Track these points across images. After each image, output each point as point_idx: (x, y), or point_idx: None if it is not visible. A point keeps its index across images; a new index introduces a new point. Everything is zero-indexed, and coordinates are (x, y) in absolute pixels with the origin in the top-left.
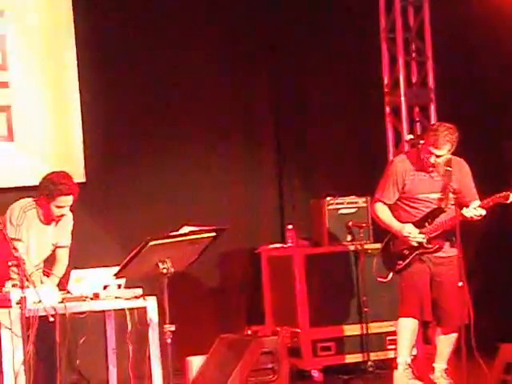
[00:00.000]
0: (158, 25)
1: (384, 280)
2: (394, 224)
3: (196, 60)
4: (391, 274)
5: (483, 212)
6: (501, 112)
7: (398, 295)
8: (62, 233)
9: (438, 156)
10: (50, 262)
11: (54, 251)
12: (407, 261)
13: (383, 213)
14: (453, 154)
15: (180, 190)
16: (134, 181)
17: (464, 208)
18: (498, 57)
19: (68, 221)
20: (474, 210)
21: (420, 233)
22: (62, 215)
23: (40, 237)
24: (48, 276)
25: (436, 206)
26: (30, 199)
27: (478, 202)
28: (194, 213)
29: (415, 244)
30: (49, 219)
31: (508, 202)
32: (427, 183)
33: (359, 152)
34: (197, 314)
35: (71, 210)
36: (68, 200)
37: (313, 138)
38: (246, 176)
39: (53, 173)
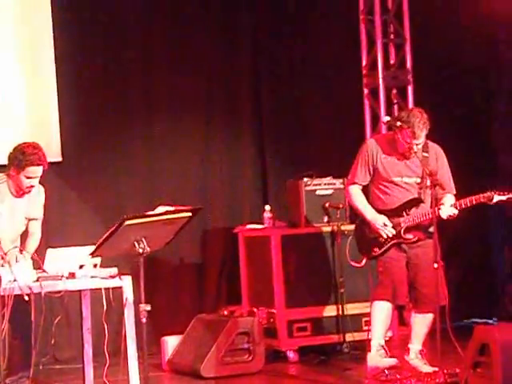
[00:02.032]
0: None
1: (357, 265)
2: (368, 212)
3: (175, 37)
4: (365, 260)
5: (456, 211)
6: (479, 94)
7: (372, 277)
8: (34, 205)
9: (418, 144)
10: (24, 238)
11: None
12: (383, 249)
13: (357, 198)
14: (430, 138)
15: (157, 169)
16: (110, 160)
17: (441, 207)
18: (476, 38)
19: (40, 194)
20: (449, 210)
21: (396, 223)
22: (32, 186)
23: (14, 210)
24: (21, 253)
25: (411, 193)
26: (1, 174)
27: (451, 197)
28: (172, 192)
29: (385, 236)
30: (20, 192)
31: (492, 203)
32: (401, 167)
33: (337, 133)
34: (173, 294)
35: (42, 184)
36: (37, 171)
37: (292, 119)
38: (225, 155)
39: (23, 143)
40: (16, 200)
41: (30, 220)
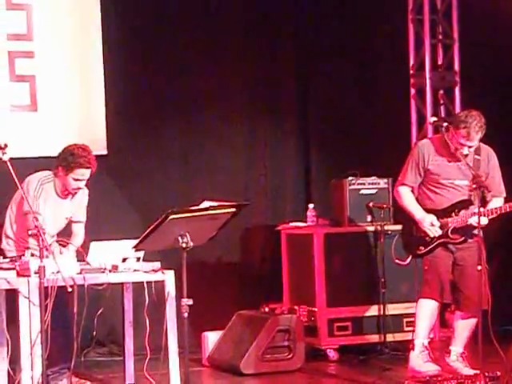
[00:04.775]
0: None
1: (402, 263)
2: (417, 212)
3: (220, 33)
4: (410, 258)
5: (485, 221)
6: None
7: (417, 277)
8: (78, 208)
9: (471, 147)
10: (64, 235)
11: (67, 224)
12: (429, 248)
13: (406, 197)
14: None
15: (202, 164)
16: (156, 154)
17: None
18: None
19: (84, 196)
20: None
21: (444, 223)
22: (78, 188)
23: (56, 210)
24: (65, 246)
25: (462, 194)
26: (48, 172)
27: (498, 201)
28: (216, 188)
29: (432, 236)
30: (65, 193)
31: None
32: (452, 169)
33: (382, 133)
34: (215, 290)
35: (87, 185)
36: (86, 173)
37: (337, 118)
38: (270, 152)
39: (74, 145)
40: (59, 201)
41: (73, 222)
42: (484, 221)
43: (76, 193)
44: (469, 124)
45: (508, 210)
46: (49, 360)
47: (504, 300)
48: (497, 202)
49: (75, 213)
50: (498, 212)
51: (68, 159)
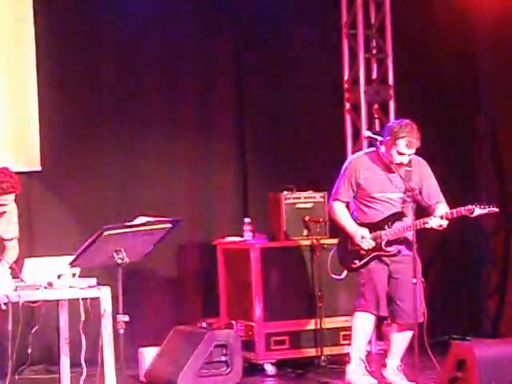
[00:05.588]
0: (120, 15)
1: (338, 277)
2: (350, 226)
3: (156, 48)
4: (345, 272)
5: (445, 222)
6: (460, 111)
7: (354, 291)
8: (7, 226)
9: (410, 155)
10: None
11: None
12: (363, 261)
13: (339, 212)
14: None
15: (137, 180)
16: (91, 170)
17: (432, 217)
18: (457, 55)
19: (12, 213)
20: (439, 220)
21: (377, 236)
22: (4, 212)
23: None
24: None
25: (395, 207)
26: None
27: (443, 206)
28: (152, 203)
29: (366, 249)
30: None
31: (472, 216)
32: (384, 182)
33: (318, 147)
34: (152, 305)
35: (17, 200)
36: (10, 198)
37: (273, 132)
38: (205, 167)
39: None
40: None
41: (5, 240)
42: (444, 222)
43: (2, 216)
44: (406, 133)
45: (462, 213)
46: None
47: (439, 311)
48: (443, 208)
49: (5, 231)
50: (449, 217)
51: None
